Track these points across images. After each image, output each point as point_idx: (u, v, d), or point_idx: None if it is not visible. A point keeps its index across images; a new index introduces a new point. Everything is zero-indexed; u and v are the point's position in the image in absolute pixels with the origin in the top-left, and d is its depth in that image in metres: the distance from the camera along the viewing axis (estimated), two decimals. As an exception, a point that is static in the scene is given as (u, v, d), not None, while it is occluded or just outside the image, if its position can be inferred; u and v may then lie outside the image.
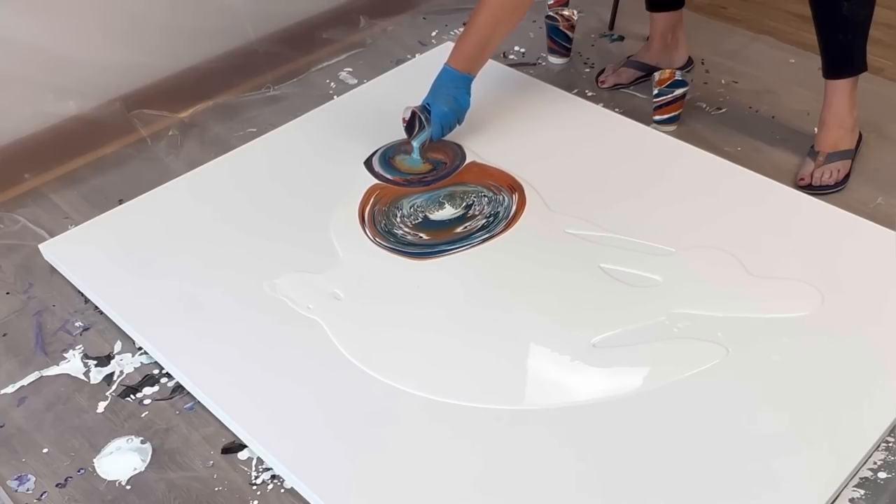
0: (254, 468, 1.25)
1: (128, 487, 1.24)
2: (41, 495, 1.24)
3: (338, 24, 2.17)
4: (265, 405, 1.29)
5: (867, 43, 1.63)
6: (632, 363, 1.32)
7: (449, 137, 1.72)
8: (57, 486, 1.24)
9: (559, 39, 2.04)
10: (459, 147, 1.74)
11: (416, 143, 1.69)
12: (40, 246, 1.59)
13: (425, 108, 1.66)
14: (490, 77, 1.93)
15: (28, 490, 1.24)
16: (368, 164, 1.72)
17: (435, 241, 1.55)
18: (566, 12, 2.03)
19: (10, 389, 1.38)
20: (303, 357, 1.35)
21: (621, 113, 1.86)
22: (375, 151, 1.75)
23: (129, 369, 1.40)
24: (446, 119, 1.67)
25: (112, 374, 1.40)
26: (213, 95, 1.98)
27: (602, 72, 2.01)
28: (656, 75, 1.81)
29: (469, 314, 1.41)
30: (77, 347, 1.44)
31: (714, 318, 1.37)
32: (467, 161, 1.71)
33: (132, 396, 1.36)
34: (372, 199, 1.64)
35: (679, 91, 1.79)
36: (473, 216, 1.59)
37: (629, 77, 1.98)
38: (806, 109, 1.84)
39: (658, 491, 1.15)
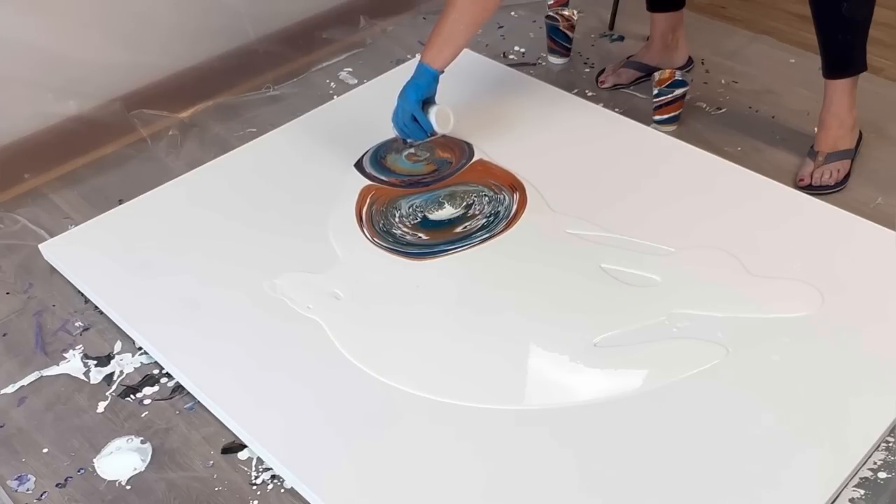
0: (254, 468, 1.25)
1: (128, 487, 1.24)
2: (41, 495, 1.24)
3: (338, 24, 2.17)
4: (265, 405, 1.29)
5: (867, 43, 1.63)
6: (632, 363, 1.32)
7: (453, 136, 1.72)
8: (57, 486, 1.24)
9: (559, 39, 2.04)
10: (468, 145, 1.74)
11: (404, 154, 1.72)
12: (40, 246, 1.59)
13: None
14: (490, 77, 1.94)
15: (28, 490, 1.24)
16: (359, 165, 1.72)
17: (434, 241, 1.54)
18: (566, 12, 2.03)
19: (10, 389, 1.38)
20: (303, 357, 1.35)
21: (621, 113, 1.86)
22: (366, 152, 1.75)
23: (129, 369, 1.40)
24: (397, 118, 1.64)
25: (112, 374, 1.40)
26: (213, 95, 1.98)
27: (602, 72, 2.01)
28: (656, 75, 1.81)
29: (469, 314, 1.41)
30: (77, 347, 1.44)
31: (714, 318, 1.37)
32: (475, 159, 1.71)
33: (132, 396, 1.36)
34: (369, 200, 1.64)
35: (679, 91, 1.79)
36: (473, 216, 1.59)
37: (629, 77, 1.98)
38: (806, 109, 1.84)
39: (658, 491, 1.15)
